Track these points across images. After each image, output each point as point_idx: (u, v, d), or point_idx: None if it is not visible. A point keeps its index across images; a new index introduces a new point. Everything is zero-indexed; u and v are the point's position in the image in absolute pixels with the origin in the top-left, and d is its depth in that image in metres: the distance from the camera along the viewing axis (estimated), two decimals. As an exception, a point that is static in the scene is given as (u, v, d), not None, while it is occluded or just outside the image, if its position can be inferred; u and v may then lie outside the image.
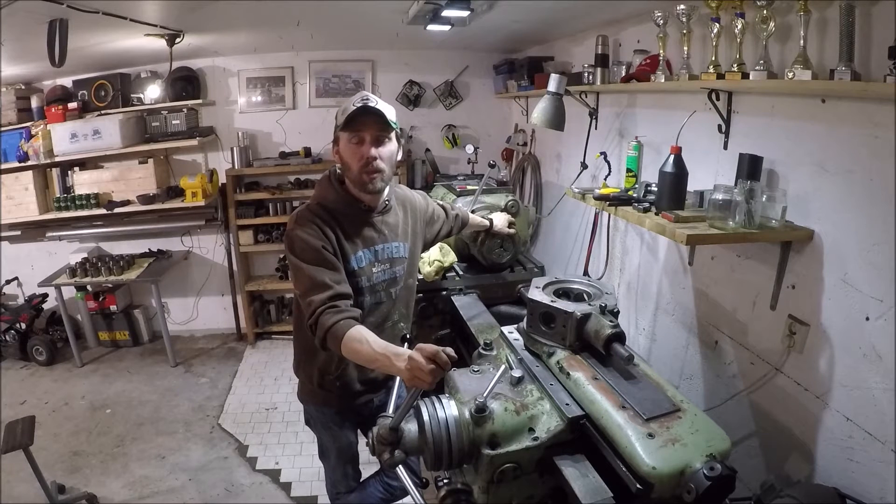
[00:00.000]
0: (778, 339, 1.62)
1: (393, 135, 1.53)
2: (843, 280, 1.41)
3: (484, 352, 1.56)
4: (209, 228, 4.21)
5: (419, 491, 1.46)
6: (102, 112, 3.78)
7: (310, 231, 1.48)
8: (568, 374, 1.32)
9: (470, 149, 3.89)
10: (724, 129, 1.80)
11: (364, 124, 1.47)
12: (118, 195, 3.88)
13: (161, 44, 3.04)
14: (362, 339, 1.33)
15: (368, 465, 1.85)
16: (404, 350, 1.28)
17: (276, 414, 3.34)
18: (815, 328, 1.50)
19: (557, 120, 2.18)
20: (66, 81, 3.88)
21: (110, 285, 4.04)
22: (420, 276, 2.20)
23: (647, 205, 1.78)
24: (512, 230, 2.29)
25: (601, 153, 2.54)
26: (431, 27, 2.73)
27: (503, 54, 4.04)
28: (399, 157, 1.60)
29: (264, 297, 4.45)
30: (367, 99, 1.47)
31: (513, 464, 1.20)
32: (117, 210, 3.81)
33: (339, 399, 1.71)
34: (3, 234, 4.00)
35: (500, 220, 2.25)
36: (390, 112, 1.49)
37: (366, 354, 1.32)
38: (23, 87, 3.86)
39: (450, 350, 1.17)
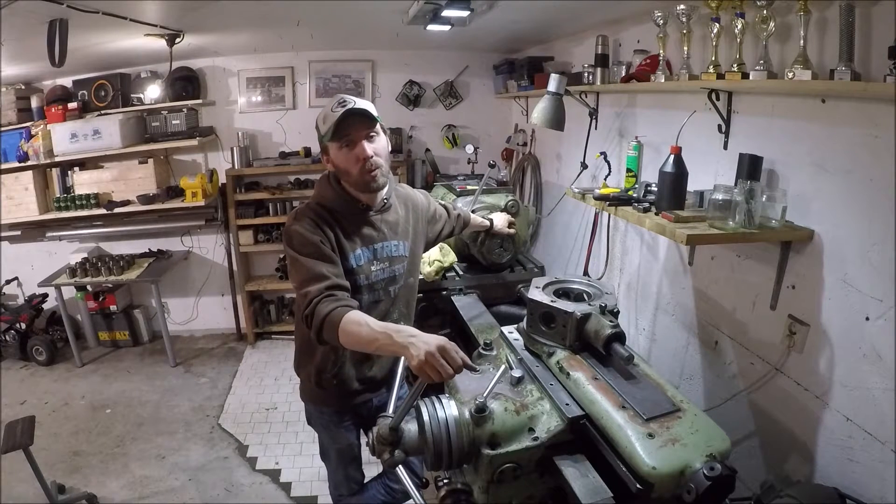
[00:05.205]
0: (778, 339, 1.62)
1: (379, 128, 1.52)
2: (843, 280, 1.41)
3: (484, 352, 1.56)
4: (209, 228, 4.21)
5: (419, 491, 1.46)
6: (102, 112, 3.78)
7: (308, 226, 1.47)
8: (568, 374, 1.32)
9: (470, 149, 3.88)
10: (724, 129, 1.80)
11: (351, 126, 1.46)
12: (118, 195, 3.88)
13: (161, 44, 3.04)
14: (361, 322, 1.30)
15: (371, 466, 1.84)
16: (406, 327, 1.26)
17: (276, 414, 3.34)
18: (815, 328, 1.50)
19: (557, 120, 2.18)
20: (66, 81, 3.88)
21: (110, 285, 4.04)
22: (420, 276, 2.20)
23: (647, 205, 1.78)
24: (512, 230, 2.29)
25: (601, 153, 2.54)
26: (431, 27, 2.73)
27: (503, 54, 4.03)
28: (389, 149, 1.59)
29: (264, 297, 4.45)
30: (345, 102, 1.45)
31: (513, 464, 1.20)
32: (117, 210, 3.81)
33: (338, 398, 1.71)
34: (3, 234, 4.00)
35: (500, 220, 2.25)
36: (371, 107, 1.48)
37: (365, 336, 1.28)
38: (23, 87, 3.86)
39: (467, 359, 1.17)
